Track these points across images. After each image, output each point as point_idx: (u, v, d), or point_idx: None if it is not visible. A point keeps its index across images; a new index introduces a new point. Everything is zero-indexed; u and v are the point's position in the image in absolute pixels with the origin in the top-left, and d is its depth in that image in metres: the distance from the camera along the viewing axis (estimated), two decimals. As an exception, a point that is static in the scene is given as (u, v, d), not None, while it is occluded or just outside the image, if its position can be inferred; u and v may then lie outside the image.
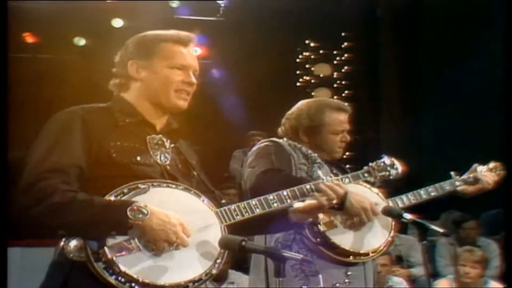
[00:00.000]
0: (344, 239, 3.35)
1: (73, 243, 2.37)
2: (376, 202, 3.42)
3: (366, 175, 3.20)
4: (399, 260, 6.93)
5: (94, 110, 2.59)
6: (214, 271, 2.50)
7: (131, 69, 2.62)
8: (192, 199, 2.54)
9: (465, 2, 8.31)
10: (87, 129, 2.48)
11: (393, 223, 3.53)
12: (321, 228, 3.33)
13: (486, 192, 3.87)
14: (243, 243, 2.49)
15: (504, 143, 4.15)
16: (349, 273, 3.38)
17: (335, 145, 3.58)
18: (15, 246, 5.62)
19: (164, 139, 2.64)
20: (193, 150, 2.81)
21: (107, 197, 2.40)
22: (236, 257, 5.83)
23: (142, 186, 2.44)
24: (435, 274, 6.68)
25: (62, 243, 2.42)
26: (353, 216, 3.34)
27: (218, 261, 2.50)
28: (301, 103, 3.69)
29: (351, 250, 3.37)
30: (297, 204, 2.85)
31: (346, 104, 3.74)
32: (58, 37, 8.50)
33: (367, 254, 3.43)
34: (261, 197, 2.69)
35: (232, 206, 2.61)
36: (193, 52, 2.70)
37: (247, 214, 2.62)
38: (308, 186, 2.87)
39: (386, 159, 3.29)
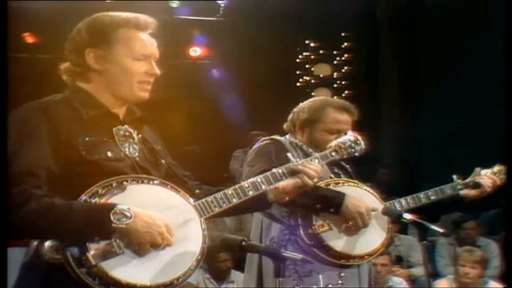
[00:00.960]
0: (338, 241, 3.35)
1: (48, 243, 2.29)
2: (373, 208, 3.41)
3: (333, 154, 3.17)
4: (399, 260, 6.93)
5: (55, 103, 2.47)
6: (197, 266, 2.46)
7: (88, 58, 2.50)
8: (169, 194, 2.48)
9: (465, 2, 8.30)
10: (52, 126, 2.37)
11: (390, 226, 3.52)
12: (316, 230, 3.32)
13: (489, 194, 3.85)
14: (243, 243, 2.49)
15: (504, 143, 4.14)
16: (342, 274, 3.38)
17: (326, 144, 3.56)
18: (15, 246, 5.60)
19: (131, 130, 2.54)
20: (157, 135, 2.72)
21: (82, 199, 2.31)
22: (236, 257, 5.84)
23: (117, 185, 2.36)
24: (435, 274, 6.68)
25: (35, 243, 2.34)
26: (348, 220, 3.34)
27: (200, 256, 2.46)
28: (309, 100, 3.69)
29: (345, 252, 3.36)
30: (277, 184, 2.83)
31: (352, 106, 3.69)
32: (58, 37, 8.45)
33: (361, 257, 3.42)
34: (236, 186, 2.67)
35: (209, 198, 2.56)
36: (151, 37, 2.59)
37: (224, 204, 2.59)
38: (280, 171, 2.85)
39: (350, 136, 3.27)
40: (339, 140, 3.22)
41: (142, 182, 2.43)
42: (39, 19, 8.21)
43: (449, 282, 6.14)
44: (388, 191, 3.74)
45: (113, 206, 2.28)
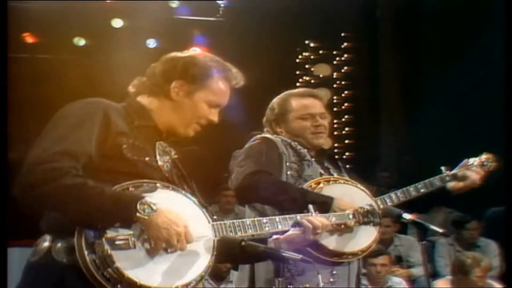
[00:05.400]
0: (332, 240, 3.35)
1: (60, 244, 2.35)
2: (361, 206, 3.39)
3: (350, 216, 3.23)
4: (399, 260, 6.94)
5: (114, 106, 2.59)
6: (198, 283, 2.49)
7: (173, 88, 2.64)
8: (193, 206, 2.57)
9: (465, 3, 8.31)
10: (108, 123, 2.47)
11: (382, 221, 3.52)
12: None
13: (484, 191, 3.85)
14: (243, 243, 2.50)
15: (504, 143, 4.15)
16: (334, 272, 3.40)
17: (306, 131, 3.62)
18: (15, 246, 5.61)
19: (171, 149, 2.67)
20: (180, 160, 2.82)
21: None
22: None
23: (149, 186, 2.45)
24: (434, 274, 6.69)
25: (46, 244, 2.39)
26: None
27: (203, 273, 2.50)
28: (275, 98, 3.78)
29: (338, 250, 3.37)
30: (284, 234, 2.87)
31: (316, 91, 3.83)
32: (58, 37, 8.49)
33: (355, 254, 3.43)
34: (255, 219, 2.75)
35: (228, 222, 2.64)
36: (229, 89, 2.75)
37: (239, 232, 2.65)
38: (299, 217, 2.91)
39: (370, 206, 3.31)
40: (359, 206, 3.27)
41: (173, 189, 2.53)
42: (39, 19, 8.21)
43: (448, 282, 6.15)
44: (381, 189, 3.75)
45: (141, 197, 2.36)
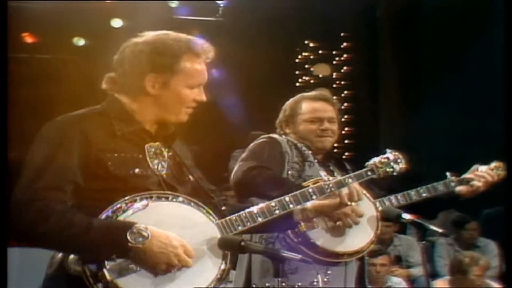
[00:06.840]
0: (325, 239, 3.35)
1: (73, 256, 2.34)
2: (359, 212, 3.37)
3: (369, 173, 3.15)
4: (398, 260, 6.95)
5: (91, 118, 2.49)
6: (215, 286, 2.45)
7: (147, 83, 2.52)
8: (192, 211, 2.48)
9: (465, 3, 8.31)
10: (86, 142, 2.40)
11: (379, 223, 3.51)
12: (302, 228, 3.31)
13: (484, 191, 3.85)
14: (242, 243, 2.49)
15: (504, 143, 4.15)
16: (329, 272, 3.38)
17: (312, 134, 3.64)
18: (15, 246, 5.61)
19: (162, 148, 2.57)
20: (188, 149, 2.75)
21: (104, 214, 2.35)
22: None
23: (141, 203, 2.38)
24: (433, 274, 6.69)
25: (60, 255, 2.38)
26: (333, 221, 3.32)
27: (220, 276, 2.46)
28: (290, 99, 3.82)
29: (331, 250, 3.36)
30: (310, 203, 2.82)
31: (328, 96, 3.87)
32: (57, 37, 8.49)
33: (350, 254, 3.42)
34: (263, 205, 2.66)
35: (233, 217, 2.56)
36: (205, 65, 2.64)
37: (248, 223, 2.58)
38: (310, 190, 2.83)
39: (390, 154, 3.23)
40: (377, 158, 3.18)
41: (166, 199, 2.44)
42: (39, 19, 8.21)
43: (447, 282, 6.16)
44: (389, 192, 3.73)
45: (131, 225, 2.30)
